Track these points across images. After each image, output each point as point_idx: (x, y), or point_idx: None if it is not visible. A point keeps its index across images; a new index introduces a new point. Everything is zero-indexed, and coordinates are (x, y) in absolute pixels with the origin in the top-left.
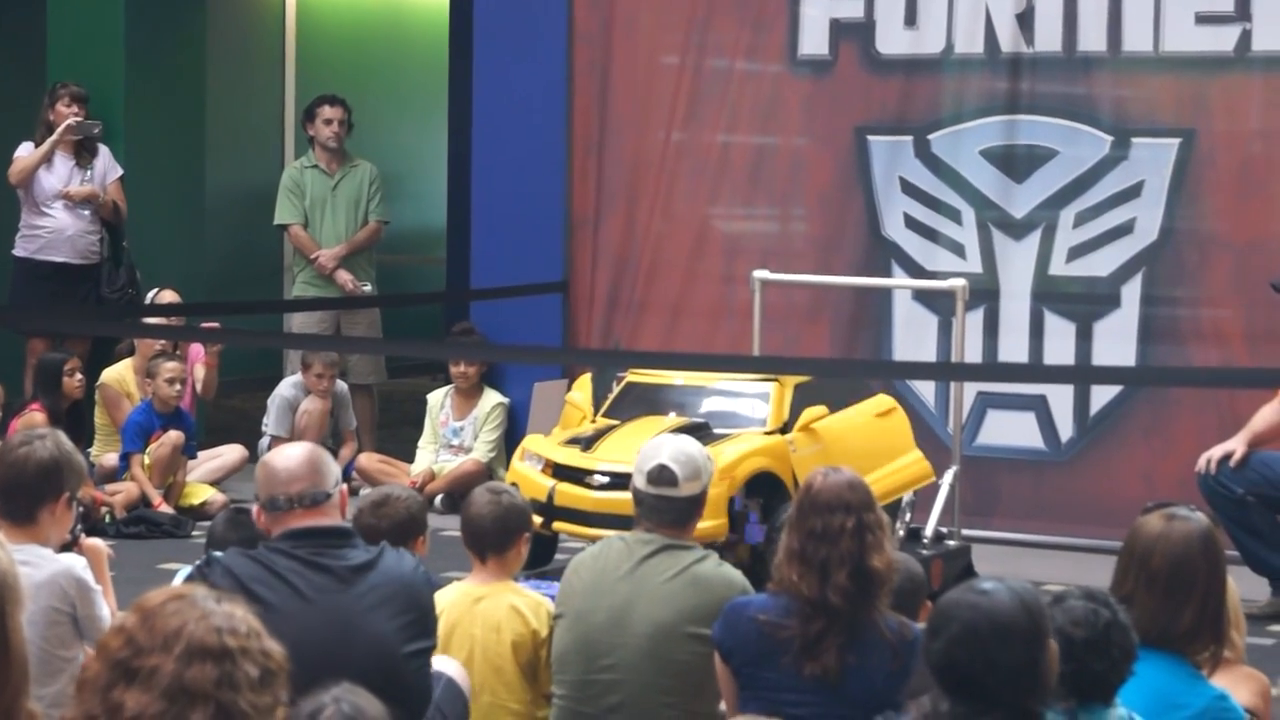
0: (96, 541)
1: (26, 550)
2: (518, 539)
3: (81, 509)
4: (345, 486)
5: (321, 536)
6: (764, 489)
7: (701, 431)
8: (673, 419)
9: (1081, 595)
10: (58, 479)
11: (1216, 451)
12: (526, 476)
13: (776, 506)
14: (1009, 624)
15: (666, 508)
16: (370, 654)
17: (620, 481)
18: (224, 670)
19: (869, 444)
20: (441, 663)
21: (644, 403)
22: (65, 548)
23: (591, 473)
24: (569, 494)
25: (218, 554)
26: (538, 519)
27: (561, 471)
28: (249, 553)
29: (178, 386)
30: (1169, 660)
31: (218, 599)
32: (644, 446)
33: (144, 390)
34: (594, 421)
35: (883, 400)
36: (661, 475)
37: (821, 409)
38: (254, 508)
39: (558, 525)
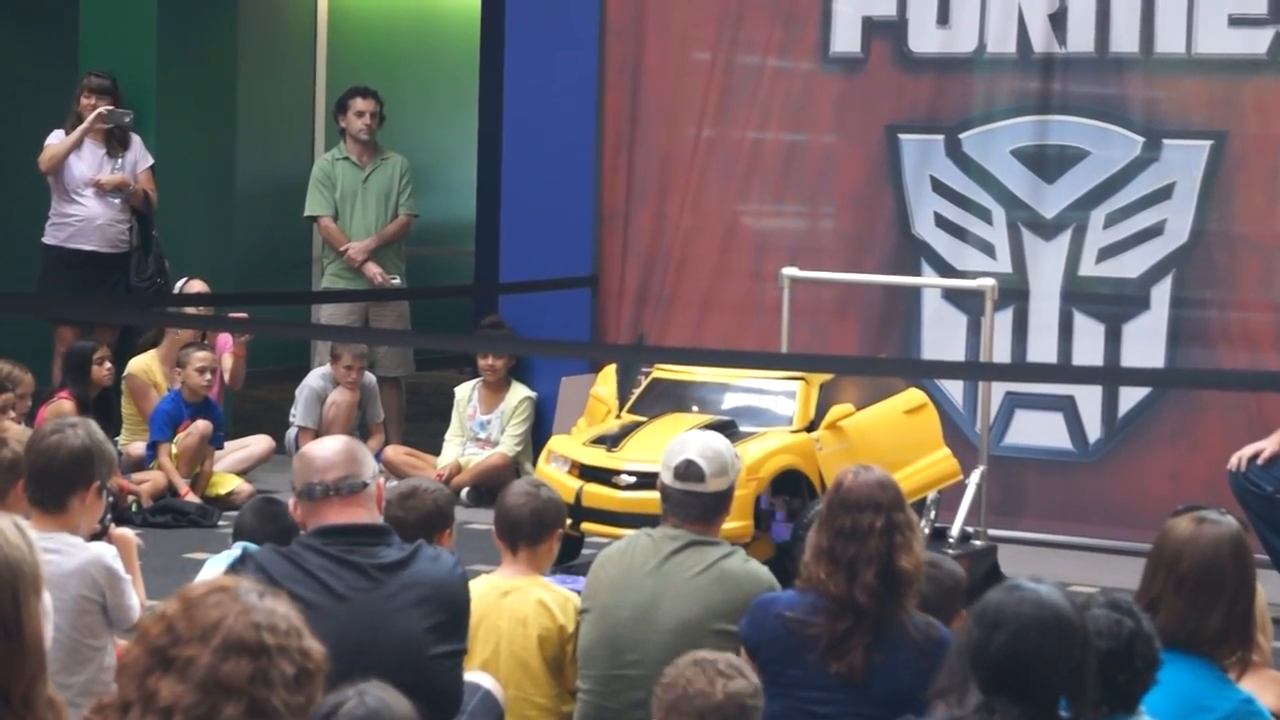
0: (126, 531)
1: (57, 539)
2: (551, 534)
3: (110, 498)
4: (382, 480)
5: (354, 534)
6: (790, 487)
7: (728, 429)
8: (698, 416)
9: (1105, 604)
10: (89, 467)
11: (1247, 450)
12: (554, 478)
13: (802, 505)
14: (1070, 624)
15: (693, 503)
16: (398, 653)
17: (647, 481)
18: (259, 666)
19: (896, 441)
20: (477, 676)
21: (669, 399)
22: (95, 537)
23: (618, 473)
24: (596, 495)
25: (252, 550)
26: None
27: (588, 472)
28: (281, 550)
29: (208, 376)
30: (1196, 663)
31: (261, 594)
32: (671, 442)
33: (171, 380)
34: (619, 417)
35: (913, 395)
36: (688, 470)
37: (848, 407)
38: (290, 500)
39: (586, 526)
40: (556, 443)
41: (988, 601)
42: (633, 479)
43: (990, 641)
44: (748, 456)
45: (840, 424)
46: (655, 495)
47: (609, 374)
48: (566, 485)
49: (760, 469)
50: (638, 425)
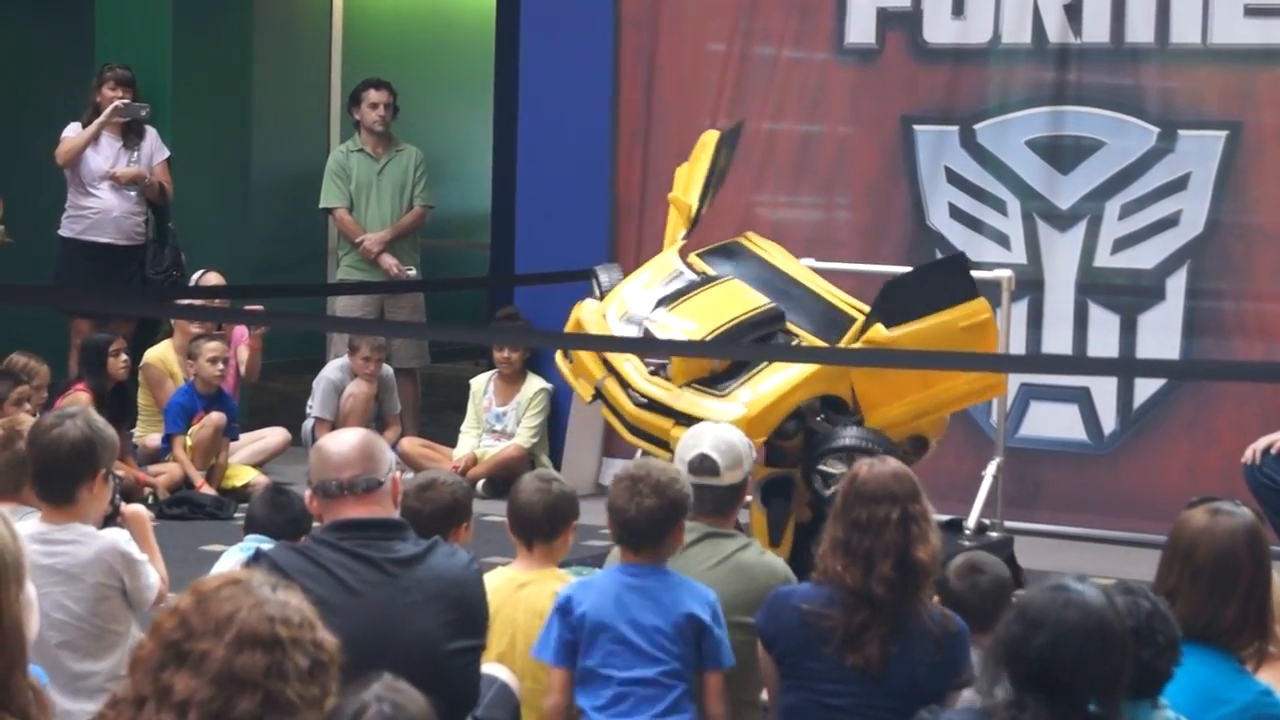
0: (138, 508)
1: (71, 529)
2: (566, 527)
3: (116, 480)
4: (398, 474)
5: (369, 529)
6: (824, 406)
7: (775, 322)
8: (753, 298)
9: (1121, 590)
10: (92, 457)
11: (1261, 442)
12: (580, 355)
13: (836, 421)
14: (1112, 632)
15: (708, 496)
16: (412, 649)
17: (657, 408)
18: (274, 659)
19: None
20: (493, 669)
21: (739, 265)
22: (108, 519)
23: (632, 390)
24: (614, 394)
25: (265, 547)
26: (588, 393)
27: (610, 366)
28: (295, 546)
29: (220, 366)
30: (1213, 655)
31: (273, 587)
32: (685, 434)
33: (186, 370)
34: (686, 236)
35: (975, 308)
36: (703, 464)
37: (886, 334)
38: (306, 491)
39: (604, 411)
40: (586, 313)
41: (1031, 599)
42: (644, 400)
43: (1030, 641)
44: (756, 403)
45: (878, 338)
46: (663, 422)
47: (711, 140)
48: (591, 370)
49: (766, 420)
50: (694, 288)
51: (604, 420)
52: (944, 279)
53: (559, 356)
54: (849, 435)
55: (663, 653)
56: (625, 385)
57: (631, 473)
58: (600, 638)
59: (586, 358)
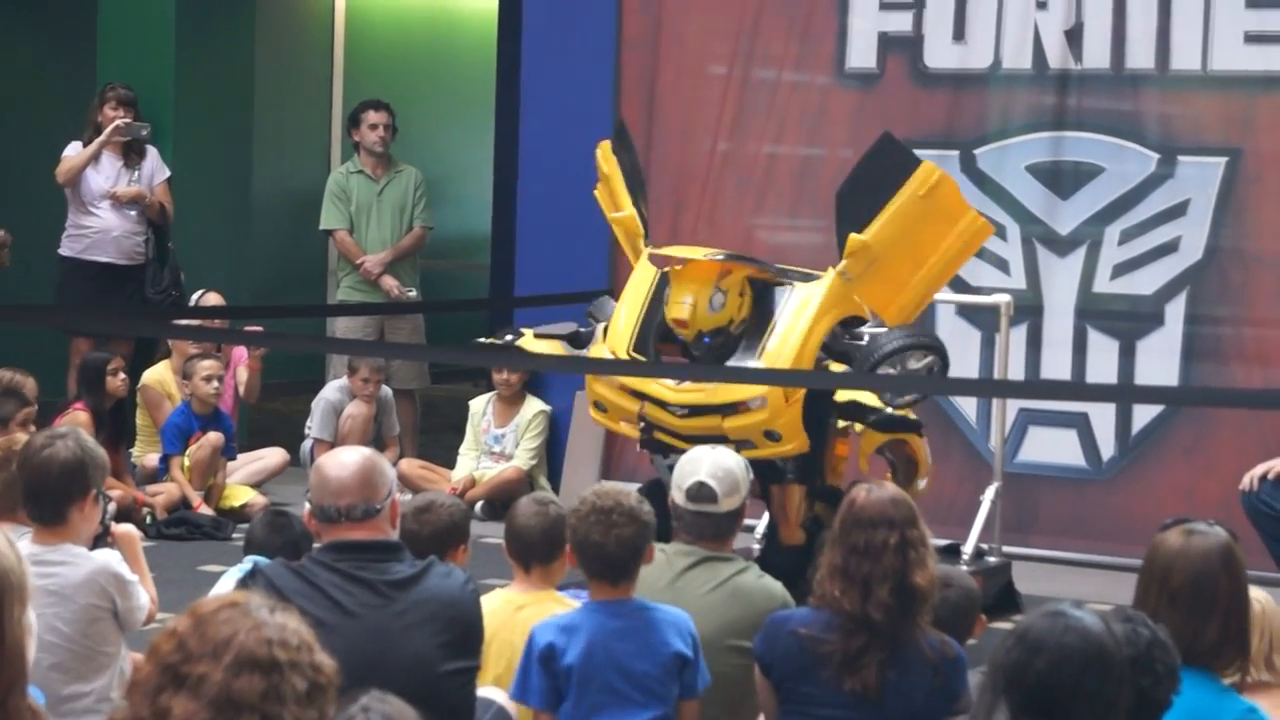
0: (128, 527)
1: (62, 550)
2: (564, 550)
3: (107, 501)
4: (397, 496)
5: (366, 550)
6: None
7: (765, 266)
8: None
9: (1119, 618)
10: (84, 477)
11: (1259, 469)
12: (610, 399)
13: (860, 335)
14: (1112, 660)
15: (706, 524)
16: (407, 671)
17: (700, 410)
18: (271, 683)
19: (919, 229)
20: (490, 692)
21: None
22: (99, 539)
23: (671, 405)
24: (657, 414)
25: (262, 564)
26: (636, 431)
27: (642, 394)
28: (292, 565)
29: (215, 384)
30: (1197, 676)
31: (271, 609)
32: (682, 461)
33: (183, 390)
34: (649, 241)
35: (924, 174)
36: (700, 492)
37: (859, 238)
38: (305, 509)
39: (659, 435)
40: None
41: (1031, 624)
42: (685, 410)
43: (1030, 666)
44: (792, 348)
45: (858, 251)
46: (713, 419)
47: (606, 150)
48: (627, 406)
49: (802, 356)
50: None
51: (603, 443)
52: (882, 163)
53: (592, 410)
54: (895, 339)
55: (650, 697)
56: (663, 404)
57: (596, 504)
58: (589, 688)
59: (617, 399)
